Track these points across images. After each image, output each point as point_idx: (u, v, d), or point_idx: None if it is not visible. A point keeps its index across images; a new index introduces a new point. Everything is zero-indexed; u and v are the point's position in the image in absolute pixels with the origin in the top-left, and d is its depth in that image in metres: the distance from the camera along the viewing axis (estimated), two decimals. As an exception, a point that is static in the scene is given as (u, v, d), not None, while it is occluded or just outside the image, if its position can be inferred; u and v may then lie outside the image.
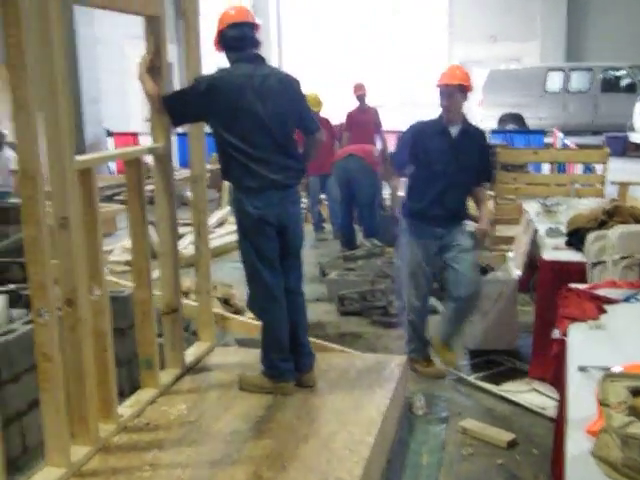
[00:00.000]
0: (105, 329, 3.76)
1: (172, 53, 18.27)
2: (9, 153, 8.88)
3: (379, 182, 8.86)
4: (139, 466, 3.55)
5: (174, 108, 4.17)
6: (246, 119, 4.09)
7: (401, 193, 5.76)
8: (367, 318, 6.38)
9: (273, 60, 23.51)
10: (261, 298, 4.33)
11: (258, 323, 5.25)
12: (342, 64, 21.73)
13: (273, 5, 23.55)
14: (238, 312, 6.09)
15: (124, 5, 4.02)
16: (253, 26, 4.31)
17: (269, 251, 4.24)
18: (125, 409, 4.03)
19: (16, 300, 4.77)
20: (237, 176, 4.18)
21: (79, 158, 3.49)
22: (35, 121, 3.13)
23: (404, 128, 5.53)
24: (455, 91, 5.03)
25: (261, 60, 4.29)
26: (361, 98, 10.85)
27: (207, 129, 4.54)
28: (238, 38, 4.21)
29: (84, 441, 3.59)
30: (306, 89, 4.67)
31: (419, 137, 5.20)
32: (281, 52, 23.97)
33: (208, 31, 4.62)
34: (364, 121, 10.62)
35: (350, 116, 10.74)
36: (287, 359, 4.35)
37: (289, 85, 4.31)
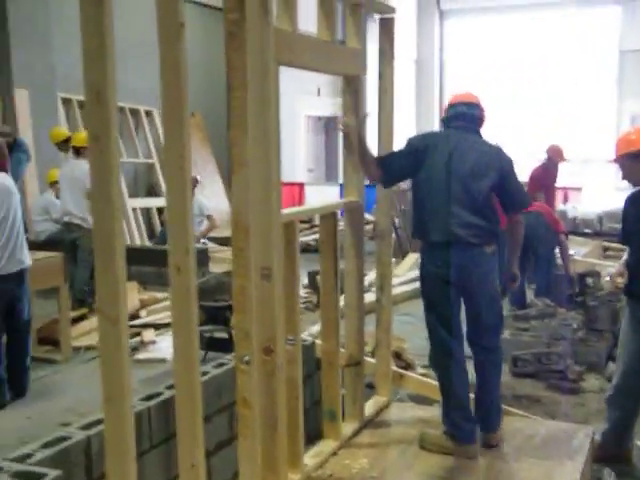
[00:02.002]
0: (297, 377, 3.89)
1: (338, 107, 18.86)
2: (54, 198, 9.32)
3: (557, 240, 8.72)
4: (325, 518, 3.64)
5: (390, 170, 4.40)
6: (435, 172, 4.26)
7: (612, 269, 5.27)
8: (543, 381, 6.23)
9: (436, 113, 23.74)
10: (438, 355, 4.39)
11: (432, 381, 5.28)
12: (504, 118, 21.57)
13: (437, 61, 23.80)
14: (409, 366, 6.13)
15: (326, 66, 4.22)
16: (477, 107, 4.57)
17: (445, 309, 4.26)
18: (309, 459, 4.13)
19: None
20: (421, 230, 4.34)
21: (285, 212, 3.67)
22: (249, 177, 3.33)
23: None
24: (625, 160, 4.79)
25: (473, 130, 4.48)
26: (555, 161, 10.69)
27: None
28: (459, 114, 4.49)
29: (274, 488, 3.71)
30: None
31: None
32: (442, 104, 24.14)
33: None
34: (549, 181, 10.50)
35: (538, 176, 10.57)
36: (469, 419, 4.30)
37: (495, 155, 4.43)
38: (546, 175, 10.57)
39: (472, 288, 4.30)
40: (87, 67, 2.53)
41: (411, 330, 7.20)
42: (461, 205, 4.21)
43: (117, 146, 2.60)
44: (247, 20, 3.25)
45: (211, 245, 11.07)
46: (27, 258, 5.91)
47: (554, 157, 10.65)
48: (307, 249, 11.32)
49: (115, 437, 2.74)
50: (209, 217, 10.75)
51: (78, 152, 9.16)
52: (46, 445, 3.31)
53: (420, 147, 4.36)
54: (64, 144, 9.31)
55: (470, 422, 4.30)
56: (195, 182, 9.63)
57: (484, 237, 4.30)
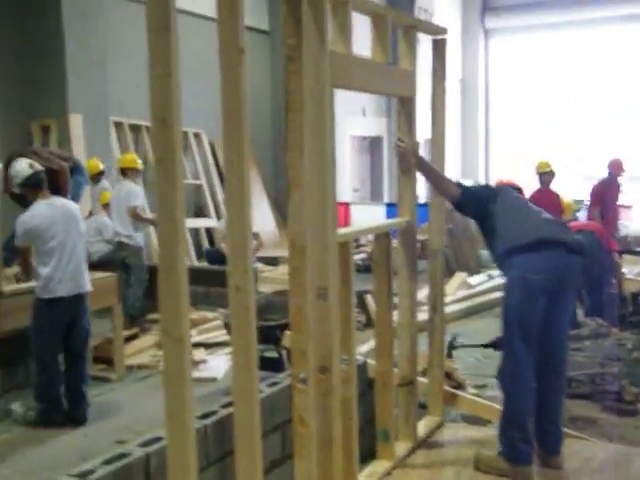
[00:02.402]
0: (352, 397, 3.91)
1: (382, 127, 18.95)
2: (107, 220, 9.44)
3: (610, 260, 8.61)
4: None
5: (469, 192, 4.57)
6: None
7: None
8: (598, 403, 6.15)
9: (481, 132, 23.65)
10: (510, 370, 4.24)
11: (484, 401, 5.25)
12: (551, 136, 21.45)
13: (482, 80, 23.74)
14: (460, 386, 6.10)
15: (380, 87, 4.28)
16: None
17: (532, 321, 4.18)
18: (363, 479, 4.14)
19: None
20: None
21: (340, 232, 3.71)
22: (305, 198, 3.38)
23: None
24: None
25: None
26: (616, 175, 10.55)
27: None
28: None
29: (329, 507, 3.73)
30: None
31: None
32: (488, 124, 24.06)
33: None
34: (611, 197, 10.37)
35: (599, 192, 10.41)
36: (527, 440, 4.21)
37: None
38: (606, 190, 10.39)
39: (567, 296, 4.31)
40: (153, 94, 2.60)
41: (461, 350, 7.17)
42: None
43: (181, 168, 2.66)
44: (304, 45, 3.31)
45: (259, 265, 11.13)
46: (87, 283, 5.94)
47: (614, 171, 10.53)
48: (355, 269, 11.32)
49: (177, 453, 2.79)
50: (256, 236, 10.82)
51: (124, 173, 9.37)
52: (107, 462, 3.37)
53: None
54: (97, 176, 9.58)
55: (527, 443, 4.22)
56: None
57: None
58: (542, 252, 4.21)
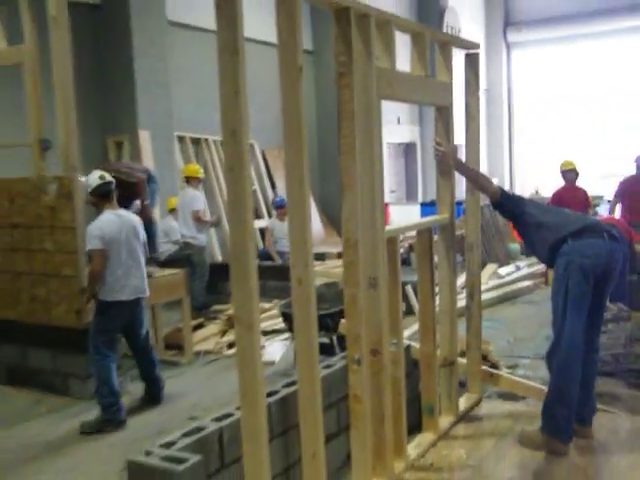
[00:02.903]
0: (400, 376, 3.93)
1: (415, 134, 18.89)
2: (173, 223, 9.45)
3: (629, 251, 8.45)
4: (430, 502, 3.65)
5: (508, 202, 4.53)
6: None
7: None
8: (622, 380, 6.06)
9: (505, 139, 23.42)
10: (567, 349, 4.09)
11: (519, 379, 5.21)
12: (573, 142, 21.17)
13: (505, 90, 23.53)
14: (494, 367, 6.06)
15: (420, 98, 4.28)
16: None
17: (586, 301, 4.13)
18: (411, 449, 4.15)
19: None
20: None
21: (388, 228, 3.72)
22: (358, 199, 3.40)
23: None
24: None
25: None
26: None
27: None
28: None
29: (382, 474, 3.74)
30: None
31: None
32: (512, 130, 23.83)
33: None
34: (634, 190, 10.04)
35: (627, 184, 9.96)
36: (570, 419, 4.12)
37: None
38: (634, 184, 9.93)
39: (610, 279, 4.24)
40: (224, 109, 2.64)
41: (495, 334, 7.13)
42: None
43: (249, 175, 2.69)
44: (354, 61, 3.34)
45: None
46: (147, 289, 5.88)
47: None
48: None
49: (250, 426, 2.83)
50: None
51: (188, 181, 9.49)
52: (185, 434, 3.42)
53: None
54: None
55: (571, 423, 4.15)
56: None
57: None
58: (589, 239, 4.18)
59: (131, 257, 5.67)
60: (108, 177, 5.70)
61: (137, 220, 5.89)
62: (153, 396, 5.94)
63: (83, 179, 5.76)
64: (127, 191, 7.14)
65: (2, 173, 6.82)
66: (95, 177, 5.64)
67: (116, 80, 10.22)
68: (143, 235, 5.94)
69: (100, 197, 5.65)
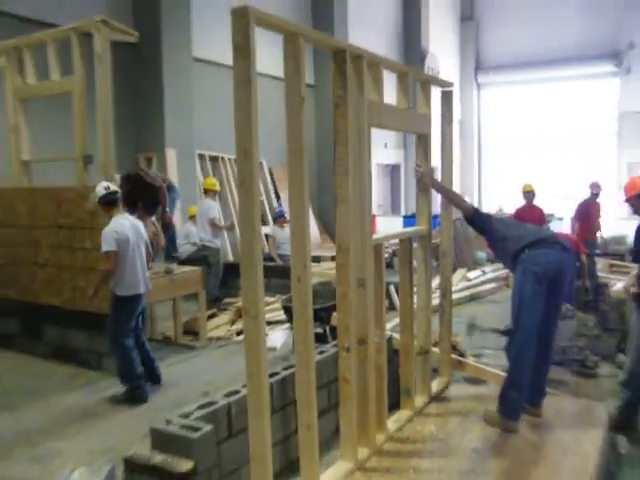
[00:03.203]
0: (383, 362, 3.90)
1: (400, 157, 18.91)
2: (193, 228, 9.38)
3: (578, 260, 8.45)
4: (405, 469, 3.61)
5: (479, 218, 4.54)
6: None
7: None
8: (567, 368, 6.05)
9: (475, 164, 23.47)
10: (523, 342, 4.07)
11: (483, 367, 5.19)
12: (531, 166, 21.25)
13: (476, 121, 23.61)
14: (462, 355, 6.03)
15: (404, 126, 4.28)
16: None
17: (540, 302, 4.09)
18: (391, 424, 4.12)
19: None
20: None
21: (375, 237, 3.70)
22: (350, 211, 3.37)
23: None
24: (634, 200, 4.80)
25: None
26: (597, 194, 10.26)
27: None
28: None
29: (366, 445, 3.71)
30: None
31: None
32: (480, 157, 23.92)
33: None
34: (594, 211, 10.11)
35: (584, 206, 10.13)
36: (520, 400, 4.11)
37: None
38: (587, 206, 10.12)
39: (561, 284, 4.19)
40: (238, 132, 2.63)
41: (462, 328, 7.11)
42: None
43: (258, 188, 2.68)
44: (348, 94, 3.32)
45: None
46: (149, 284, 5.71)
47: (594, 189, 10.26)
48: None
49: (255, 401, 2.81)
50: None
51: (206, 192, 9.47)
52: (200, 407, 3.42)
53: None
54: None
55: (521, 405, 4.13)
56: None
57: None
58: (543, 249, 4.17)
59: (140, 256, 5.55)
60: (113, 187, 5.53)
61: (139, 223, 5.75)
62: (153, 377, 5.73)
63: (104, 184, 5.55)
64: (150, 195, 7.09)
65: (52, 182, 6.81)
66: (101, 187, 5.48)
67: (148, 105, 10.21)
68: (145, 236, 5.80)
69: (106, 205, 5.48)
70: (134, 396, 5.32)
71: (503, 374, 4.51)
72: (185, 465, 3.07)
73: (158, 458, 3.12)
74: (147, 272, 5.75)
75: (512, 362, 4.16)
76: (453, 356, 5.15)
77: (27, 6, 8.52)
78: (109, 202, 5.48)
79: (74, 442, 4.41)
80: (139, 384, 5.36)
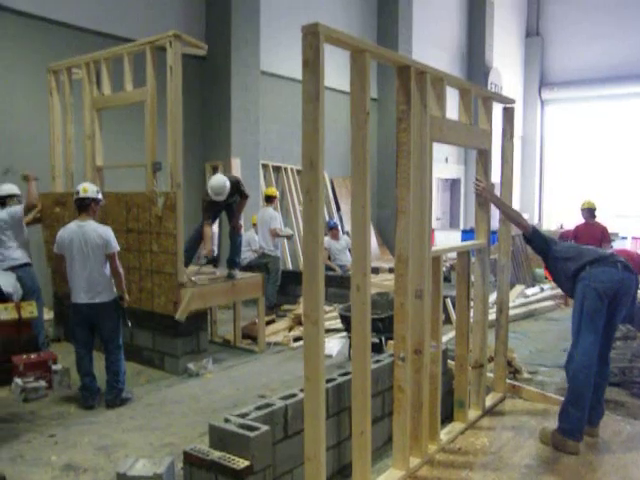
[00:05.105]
0: (438, 374, 3.90)
1: (460, 172, 18.74)
2: (255, 235, 9.49)
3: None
4: (456, 480, 3.60)
5: (537, 237, 4.45)
6: None
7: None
8: (626, 390, 5.87)
9: (536, 180, 23.01)
10: (584, 361, 4.00)
11: (539, 391, 5.08)
12: (595, 183, 20.69)
13: (538, 138, 23.15)
14: (517, 371, 5.95)
15: (465, 142, 4.26)
16: None
17: (601, 320, 4.03)
18: (443, 435, 4.11)
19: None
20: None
21: (434, 249, 3.72)
22: (410, 222, 3.41)
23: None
24: None
25: None
26: None
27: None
28: None
29: (417, 454, 3.73)
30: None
31: None
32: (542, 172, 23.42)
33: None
34: None
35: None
36: (582, 419, 4.01)
37: None
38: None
39: (621, 303, 4.12)
40: (305, 144, 2.71)
41: (519, 344, 7.00)
42: None
43: (322, 197, 2.74)
44: (412, 110, 3.37)
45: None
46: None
47: None
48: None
49: (312, 403, 2.86)
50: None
51: (268, 200, 9.61)
52: (257, 408, 3.48)
53: None
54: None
55: (583, 424, 4.04)
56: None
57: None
58: (604, 267, 4.09)
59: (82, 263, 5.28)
60: (84, 194, 5.25)
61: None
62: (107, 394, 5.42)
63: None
64: (241, 204, 7.31)
65: (123, 187, 7.05)
66: (75, 190, 5.31)
67: (215, 116, 10.48)
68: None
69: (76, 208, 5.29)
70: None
71: (560, 398, 4.42)
72: (242, 462, 3.14)
73: (216, 454, 3.21)
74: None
75: (572, 379, 4.06)
76: (508, 381, 5.06)
77: (113, 24, 8.95)
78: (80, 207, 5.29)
79: (137, 435, 4.56)
80: (82, 388, 5.33)
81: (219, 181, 6.85)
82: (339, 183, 13.59)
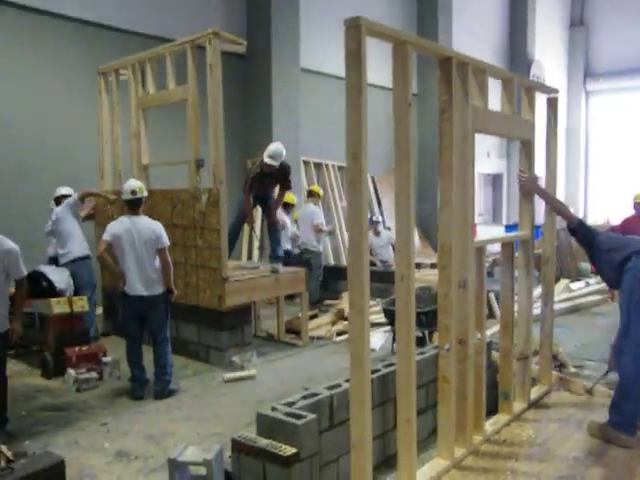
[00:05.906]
0: (482, 364, 3.91)
1: (502, 167, 18.50)
2: (296, 230, 9.49)
3: None
4: (502, 470, 3.60)
5: (582, 228, 4.37)
6: None
7: None
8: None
9: (581, 172, 22.55)
10: (630, 352, 3.94)
11: (581, 382, 5.03)
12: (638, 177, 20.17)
13: (583, 130, 22.70)
14: (563, 365, 5.88)
15: (508, 132, 4.25)
16: None
17: None
18: (488, 426, 4.11)
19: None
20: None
21: (477, 240, 3.73)
22: (454, 213, 3.42)
23: None
24: None
25: None
26: None
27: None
28: None
29: (462, 444, 3.74)
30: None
31: None
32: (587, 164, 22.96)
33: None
34: None
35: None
36: (635, 412, 3.94)
37: None
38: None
39: None
40: (349, 136, 2.76)
41: (564, 338, 6.90)
42: None
43: (367, 189, 2.79)
44: (454, 100, 3.38)
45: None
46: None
47: None
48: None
49: (358, 393, 2.91)
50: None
51: (310, 195, 9.68)
52: (304, 397, 3.55)
53: None
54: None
55: (636, 416, 3.96)
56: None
57: None
58: None
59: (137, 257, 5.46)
60: (140, 194, 5.44)
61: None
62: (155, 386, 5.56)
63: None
64: (280, 196, 7.48)
65: (167, 184, 7.21)
66: (128, 190, 5.44)
67: (256, 113, 10.60)
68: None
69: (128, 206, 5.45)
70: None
71: (609, 391, 4.36)
72: (289, 450, 3.21)
73: (264, 442, 3.28)
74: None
75: (623, 371, 4.01)
76: (554, 373, 5.02)
77: (153, 26, 9.16)
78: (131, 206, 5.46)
79: (184, 425, 4.69)
80: (132, 379, 5.48)
81: (278, 146, 7.01)
82: (381, 181, 13.60)
